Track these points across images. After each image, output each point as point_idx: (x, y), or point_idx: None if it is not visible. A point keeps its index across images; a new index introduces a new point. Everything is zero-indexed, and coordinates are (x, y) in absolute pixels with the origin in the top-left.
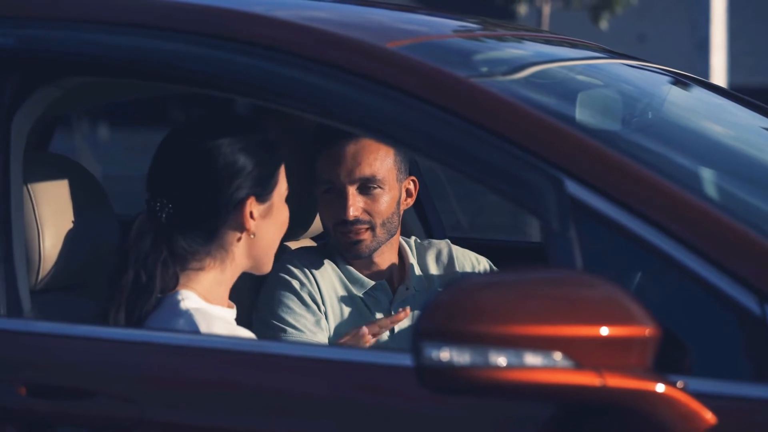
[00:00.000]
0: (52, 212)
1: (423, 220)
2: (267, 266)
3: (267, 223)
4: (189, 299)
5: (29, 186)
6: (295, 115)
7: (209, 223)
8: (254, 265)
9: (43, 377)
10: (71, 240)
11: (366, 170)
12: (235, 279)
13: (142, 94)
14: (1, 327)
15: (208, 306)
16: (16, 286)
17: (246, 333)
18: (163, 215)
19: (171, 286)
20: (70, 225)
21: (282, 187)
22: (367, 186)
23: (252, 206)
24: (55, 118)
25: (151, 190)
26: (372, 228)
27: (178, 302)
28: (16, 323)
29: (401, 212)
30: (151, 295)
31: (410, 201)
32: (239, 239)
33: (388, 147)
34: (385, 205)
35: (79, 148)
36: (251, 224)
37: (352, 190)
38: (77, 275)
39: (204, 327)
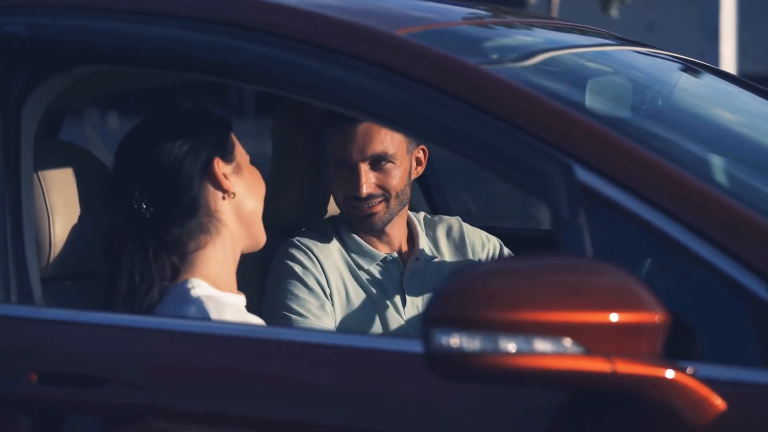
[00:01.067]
0: (62, 200)
1: (429, 200)
2: (261, 235)
3: (240, 181)
4: (199, 287)
5: (40, 173)
6: (304, 102)
7: (186, 196)
8: (249, 233)
9: (53, 364)
10: (81, 227)
11: (378, 146)
12: (235, 256)
13: (152, 83)
14: (12, 314)
15: (218, 293)
16: (27, 273)
17: (256, 320)
18: (143, 209)
19: (172, 277)
20: (81, 213)
21: (241, 150)
22: (378, 161)
23: (220, 167)
24: (65, 106)
25: (121, 195)
26: (386, 200)
27: (188, 290)
28: (26, 310)
29: (411, 181)
30: (147, 291)
31: (420, 169)
32: (223, 199)
33: None
34: (397, 178)
35: (89, 137)
36: (226, 183)
37: (364, 167)
38: (88, 262)
39: (215, 314)
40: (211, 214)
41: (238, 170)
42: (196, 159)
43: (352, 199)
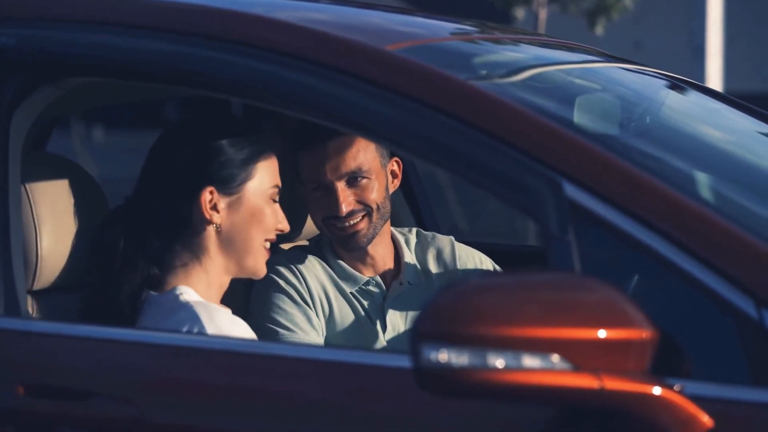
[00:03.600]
0: (49, 212)
1: (417, 218)
2: (255, 268)
3: (236, 217)
4: (188, 293)
5: (27, 186)
6: (284, 117)
7: (174, 216)
8: (238, 264)
9: (41, 377)
10: (69, 240)
11: (351, 164)
12: (221, 282)
13: (142, 96)
14: None
15: (206, 301)
16: (14, 285)
17: (245, 326)
18: (137, 214)
19: (157, 287)
20: (68, 225)
21: (257, 183)
22: (354, 178)
23: (214, 198)
24: (53, 119)
25: (137, 194)
26: (368, 214)
27: (177, 296)
28: (13, 323)
29: (389, 195)
30: (133, 296)
31: (396, 182)
32: (207, 231)
33: None
34: (375, 192)
35: (76, 150)
36: (214, 216)
37: (341, 186)
38: (75, 275)
39: (206, 318)
40: (194, 240)
41: (236, 205)
42: (195, 181)
43: (333, 219)
